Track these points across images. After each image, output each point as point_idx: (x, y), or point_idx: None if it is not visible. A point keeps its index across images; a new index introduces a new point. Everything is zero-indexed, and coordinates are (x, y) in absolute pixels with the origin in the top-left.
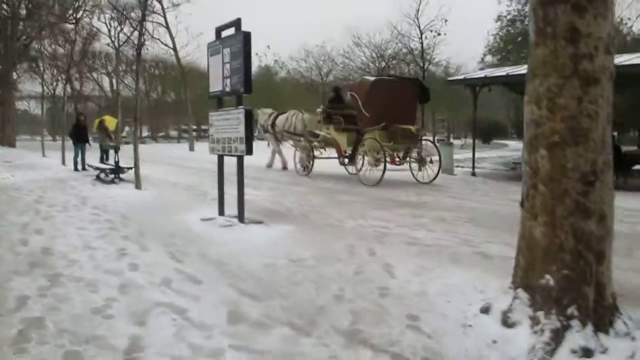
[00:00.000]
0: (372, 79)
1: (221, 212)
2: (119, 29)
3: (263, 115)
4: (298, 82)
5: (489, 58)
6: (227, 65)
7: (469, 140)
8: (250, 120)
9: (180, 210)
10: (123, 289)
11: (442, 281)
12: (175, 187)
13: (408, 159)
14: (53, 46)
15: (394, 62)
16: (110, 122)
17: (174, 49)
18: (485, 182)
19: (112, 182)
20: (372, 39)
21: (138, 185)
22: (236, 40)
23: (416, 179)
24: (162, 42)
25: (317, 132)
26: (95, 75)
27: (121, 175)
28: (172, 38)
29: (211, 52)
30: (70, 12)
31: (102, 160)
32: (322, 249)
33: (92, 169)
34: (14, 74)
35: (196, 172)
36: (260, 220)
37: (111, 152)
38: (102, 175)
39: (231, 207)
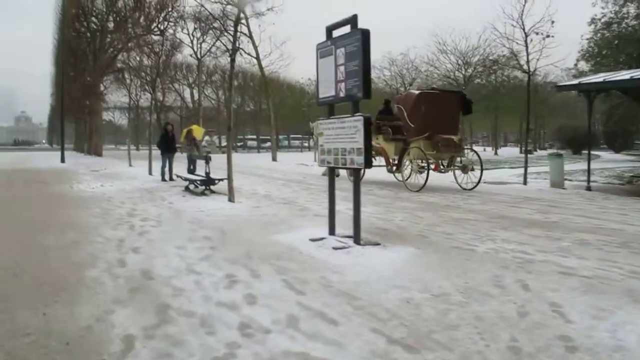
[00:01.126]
0: (417, 92)
1: (332, 231)
2: (201, 39)
3: (317, 126)
4: (382, 91)
5: (582, 64)
6: (342, 68)
7: (552, 150)
8: (369, 129)
9: (283, 228)
10: (244, 330)
11: (636, 329)
12: (270, 200)
13: (452, 166)
14: (138, 58)
15: (479, 69)
16: (198, 131)
17: (257, 58)
18: (608, 198)
19: (202, 194)
20: (458, 45)
21: (232, 198)
22: (353, 39)
23: (460, 186)
24: (245, 51)
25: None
26: (176, 86)
27: (211, 187)
28: (256, 47)
29: (321, 53)
30: (155, 24)
31: (189, 171)
32: (463, 280)
33: (181, 179)
34: (102, 85)
35: (286, 183)
36: (377, 242)
37: (198, 162)
38: (192, 187)
39: (339, 225)
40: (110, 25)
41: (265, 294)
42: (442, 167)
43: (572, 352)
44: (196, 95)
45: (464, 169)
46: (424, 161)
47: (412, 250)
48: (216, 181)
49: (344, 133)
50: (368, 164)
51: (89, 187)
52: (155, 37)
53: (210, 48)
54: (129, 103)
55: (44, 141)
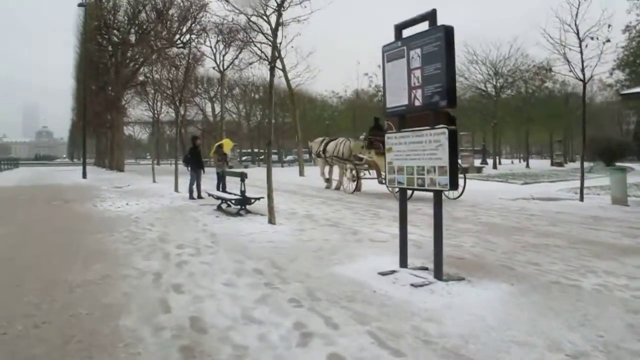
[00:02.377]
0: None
1: (403, 262)
2: (224, 52)
3: (315, 144)
4: None
5: (617, 73)
6: (417, 72)
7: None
8: (456, 144)
9: (340, 257)
10: None
11: None
12: (313, 221)
13: None
14: (160, 71)
15: (510, 80)
16: (228, 146)
17: (284, 69)
18: None
19: (237, 214)
20: (489, 55)
21: (272, 220)
22: (432, 38)
23: (447, 196)
24: (269, 62)
25: (361, 156)
26: (197, 99)
27: (247, 207)
28: (281, 58)
29: (389, 56)
30: (178, 36)
31: (218, 188)
32: (593, 332)
33: (213, 198)
34: (123, 99)
35: (324, 201)
36: (460, 276)
37: (228, 179)
38: (224, 206)
39: (389, 250)
40: (132, 38)
41: (353, 354)
42: None
43: None
44: (217, 109)
45: None
46: None
47: (505, 288)
48: (252, 200)
49: (422, 148)
50: (454, 185)
51: (113, 205)
52: (177, 50)
53: (234, 60)
54: (152, 116)
55: (64, 156)
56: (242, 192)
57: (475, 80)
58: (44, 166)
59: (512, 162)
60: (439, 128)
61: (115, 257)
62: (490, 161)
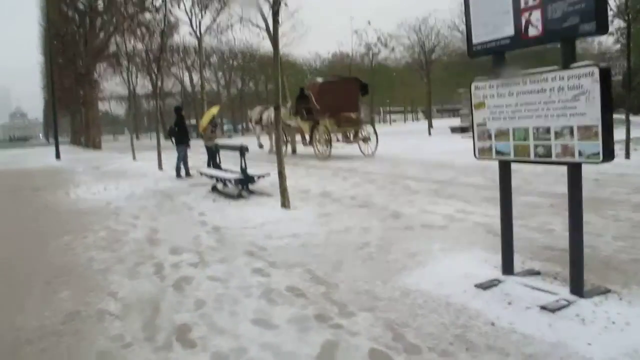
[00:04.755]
0: (321, 80)
1: (508, 267)
2: (200, 16)
3: (254, 112)
4: (400, 62)
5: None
6: None
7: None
8: (610, 92)
9: (400, 257)
10: None
11: None
12: (335, 201)
13: (357, 138)
14: (134, 40)
15: None
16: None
17: (267, 29)
18: None
19: (239, 196)
20: None
21: (286, 204)
22: None
23: (362, 152)
24: (252, 23)
25: (289, 122)
26: (174, 70)
27: (250, 187)
28: (264, 17)
29: None
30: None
31: (209, 165)
32: None
33: (207, 177)
34: (95, 73)
35: (334, 172)
36: (606, 288)
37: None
38: (220, 186)
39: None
40: (100, 5)
41: None
42: (348, 138)
43: None
44: (195, 79)
45: (365, 140)
46: (328, 136)
47: None
48: (256, 178)
49: (546, 100)
50: (609, 154)
51: (89, 192)
52: (150, 16)
53: (212, 24)
54: (128, 89)
55: (40, 135)
56: (243, 169)
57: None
58: (18, 148)
59: None
60: (579, 67)
61: (87, 276)
62: None
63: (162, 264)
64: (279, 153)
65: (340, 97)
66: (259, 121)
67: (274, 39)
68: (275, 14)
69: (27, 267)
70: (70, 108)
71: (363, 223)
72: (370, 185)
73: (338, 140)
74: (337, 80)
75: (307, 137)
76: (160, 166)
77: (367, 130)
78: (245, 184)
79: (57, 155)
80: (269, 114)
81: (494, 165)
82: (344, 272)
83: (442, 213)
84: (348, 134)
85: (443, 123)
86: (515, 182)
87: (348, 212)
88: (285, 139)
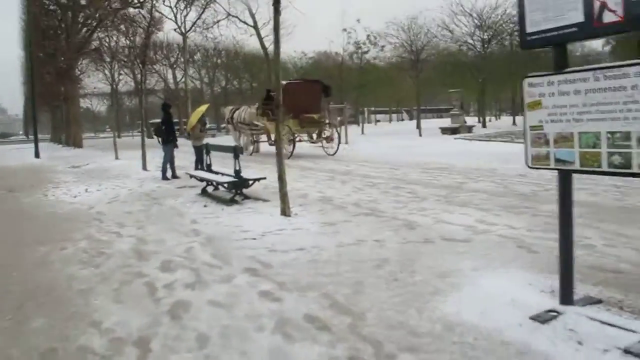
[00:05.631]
0: (285, 82)
1: (566, 296)
2: (185, 12)
3: (226, 111)
4: (390, 61)
5: None
6: None
7: None
8: None
9: (429, 278)
10: None
11: None
12: (337, 207)
13: (320, 138)
14: (117, 37)
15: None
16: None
17: (255, 26)
18: None
19: (232, 200)
20: (475, 5)
21: (286, 211)
22: None
23: (325, 152)
24: (240, 20)
25: (256, 122)
26: (157, 67)
27: (245, 191)
28: (252, 14)
29: None
30: None
31: (197, 167)
32: None
33: (197, 179)
34: (77, 69)
35: (330, 176)
36: None
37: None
38: (210, 189)
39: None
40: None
41: None
42: (312, 138)
43: None
44: (178, 76)
45: (327, 139)
46: (291, 136)
47: None
48: (250, 182)
49: (625, 100)
50: None
51: (69, 193)
52: (134, 11)
53: (197, 19)
54: (111, 86)
55: (20, 132)
56: (237, 172)
57: (461, 33)
58: None
59: (491, 120)
60: None
61: (66, 299)
62: (474, 119)
63: (154, 284)
64: (279, 154)
65: (304, 99)
66: (230, 120)
67: (275, 29)
68: (276, 2)
69: None
70: (51, 105)
71: (375, 234)
72: (372, 190)
73: (300, 140)
74: (301, 82)
75: (272, 137)
76: (144, 166)
77: (329, 130)
78: (239, 188)
79: (37, 154)
80: (240, 113)
81: (502, 169)
82: (368, 297)
83: (461, 224)
84: (311, 134)
85: (430, 124)
86: (528, 188)
87: (355, 220)
88: (252, 139)
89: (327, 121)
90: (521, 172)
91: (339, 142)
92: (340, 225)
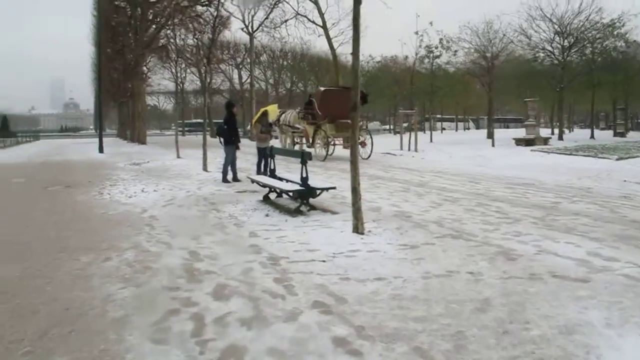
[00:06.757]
0: (323, 89)
1: None
2: (253, 12)
3: (275, 112)
4: (460, 66)
5: None
6: None
7: None
8: None
9: (550, 334)
10: None
11: None
12: (417, 226)
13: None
14: (185, 35)
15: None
16: (272, 113)
17: (324, 26)
18: None
19: (297, 211)
20: (555, 10)
21: (359, 227)
22: None
23: (361, 157)
24: (308, 19)
25: (297, 125)
26: (223, 66)
27: (310, 201)
28: (321, 14)
29: None
30: None
31: (259, 171)
32: None
33: (259, 185)
34: (144, 66)
35: (404, 186)
36: None
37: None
38: (273, 196)
39: None
40: None
41: None
42: (347, 142)
43: None
44: (244, 77)
45: (361, 144)
46: (325, 139)
47: None
48: (318, 191)
49: None
50: None
51: (125, 193)
52: (202, 9)
53: (265, 19)
54: (176, 84)
55: (91, 127)
56: (305, 180)
57: (540, 39)
58: (67, 138)
59: (564, 132)
60: None
61: (95, 330)
62: (546, 131)
63: (203, 318)
64: (353, 162)
65: (340, 105)
66: (277, 122)
67: (354, 20)
68: None
69: (22, 305)
70: (119, 101)
71: (467, 264)
72: (453, 206)
73: (334, 144)
74: (339, 89)
75: (310, 139)
76: (205, 167)
77: (364, 136)
78: (306, 197)
79: (100, 149)
80: (286, 116)
81: (597, 188)
82: (474, 358)
83: (571, 256)
84: (346, 138)
85: (499, 134)
86: (639, 213)
87: (439, 244)
88: (293, 141)
89: (363, 127)
90: (623, 192)
91: (372, 147)
92: (423, 249)
